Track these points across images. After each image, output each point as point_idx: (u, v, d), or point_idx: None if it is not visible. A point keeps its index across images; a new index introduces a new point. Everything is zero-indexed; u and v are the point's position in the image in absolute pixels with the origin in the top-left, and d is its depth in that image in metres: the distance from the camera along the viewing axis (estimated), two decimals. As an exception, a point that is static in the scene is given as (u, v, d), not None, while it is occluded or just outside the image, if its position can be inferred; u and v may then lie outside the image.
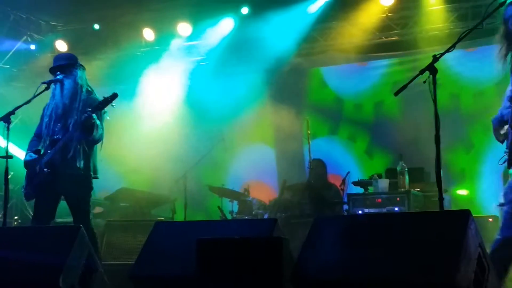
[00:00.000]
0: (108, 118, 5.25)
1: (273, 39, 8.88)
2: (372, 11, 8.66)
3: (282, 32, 8.85)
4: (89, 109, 5.02)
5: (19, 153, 6.03)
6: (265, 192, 8.75)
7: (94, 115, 4.98)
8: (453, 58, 7.13)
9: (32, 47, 10.07)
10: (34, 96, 5.34)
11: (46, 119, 5.38)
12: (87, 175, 5.21)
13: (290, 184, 7.66)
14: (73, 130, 5.11)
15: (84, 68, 5.46)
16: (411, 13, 8.65)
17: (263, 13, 8.80)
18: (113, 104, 5.07)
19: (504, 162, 4.06)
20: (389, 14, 8.71)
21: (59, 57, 5.72)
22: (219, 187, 8.36)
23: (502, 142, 4.13)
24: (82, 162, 5.14)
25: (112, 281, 4.21)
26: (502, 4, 4.05)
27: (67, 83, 5.37)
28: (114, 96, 5.07)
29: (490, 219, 5.06)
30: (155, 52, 9.69)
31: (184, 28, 9.39)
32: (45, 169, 5.16)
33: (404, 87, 4.15)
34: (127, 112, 8.79)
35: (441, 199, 3.94)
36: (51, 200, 5.24)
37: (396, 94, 4.19)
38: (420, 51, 8.36)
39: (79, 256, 3.91)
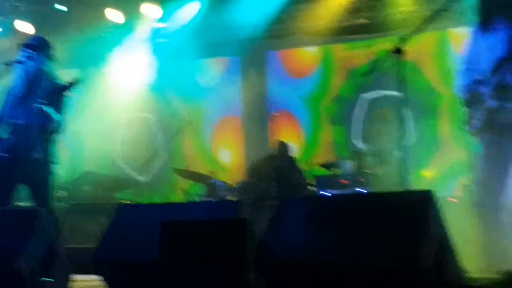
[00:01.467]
0: (69, 106, 5.23)
1: (240, 22, 8.89)
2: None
3: (250, 14, 8.85)
4: (45, 100, 5.00)
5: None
6: (231, 174, 8.77)
7: (45, 107, 4.97)
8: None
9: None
10: None
11: (6, 103, 5.33)
12: (47, 160, 5.17)
13: (257, 166, 7.69)
14: (34, 116, 5.07)
15: (51, 55, 5.41)
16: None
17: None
18: (76, 90, 5.05)
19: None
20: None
21: (32, 38, 5.71)
22: (183, 170, 8.35)
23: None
24: (42, 148, 5.11)
25: (74, 264, 4.16)
26: None
27: (31, 65, 5.29)
28: (76, 81, 5.08)
29: (452, 199, 5.15)
30: (121, 33, 9.62)
31: (150, 9, 9.34)
32: (5, 155, 5.11)
33: (370, 70, 4.24)
34: (93, 94, 8.71)
35: (403, 180, 4.01)
36: (9, 186, 5.19)
37: (363, 75, 4.29)
38: (389, 33, 8.39)
39: (41, 239, 3.86)
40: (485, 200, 4.15)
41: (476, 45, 4.34)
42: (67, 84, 5.06)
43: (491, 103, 4.13)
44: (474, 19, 4.33)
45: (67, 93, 5.09)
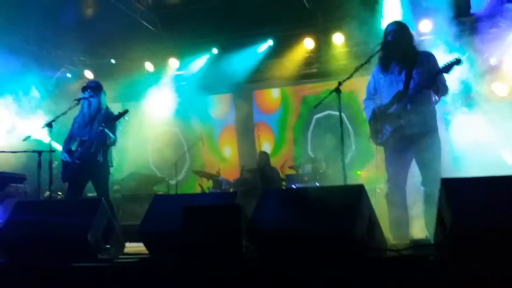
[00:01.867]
0: (120, 128, 5.25)
1: (233, 70, 8.92)
2: (300, 51, 8.81)
3: (240, 65, 8.90)
4: (103, 124, 5.01)
5: (59, 148, 5.99)
6: (231, 174, 8.76)
7: (106, 129, 4.99)
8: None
9: (68, 75, 9.89)
10: (69, 109, 5.35)
11: (75, 125, 5.34)
12: (105, 164, 5.18)
13: (247, 168, 7.72)
14: (95, 135, 5.08)
15: (105, 93, 5.44)
16: (325, 53, 8.81)
17: (227, 52, 8.89)
18: (125, 117, 5.08)
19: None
20: (310, 54, 8.87)
21: (91, 82, 5.72)
22: (199, 171, 8.34)
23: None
24: (101, 156, 5.12)
25: (125, 236, 4.17)
26: (380, 49, 4.14)
27: (93, 101, 5.31)
28: (125, 112, 5.11)
29: (378, 190, 5.14)
30: (154, 78, 9.62)
31: (173, 62, 9.37)
32: (77, 161, 5.11)
33: (320, 102, 4.25)
34: (135, 120, 8.68)
35: (345, 176, 4.04)
36: (81, 182, 5.19)
37: (315, 107, 4.31)
38: (331, 78, 8.40)
39: (101, 219, 3.85)
40: (394, 191, 4.10)
41: (379, 82, 4.25)
42: (119, 113, 5.10)
43: (396, 122, 4.05)
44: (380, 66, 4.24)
45: (117, 119, 5.12)
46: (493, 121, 5.89)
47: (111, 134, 5.08)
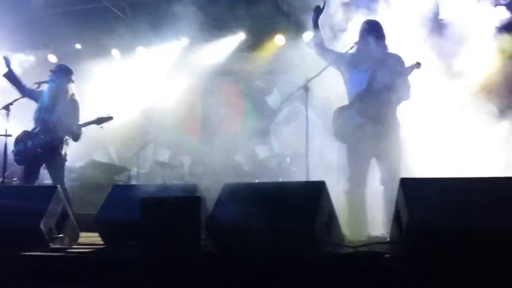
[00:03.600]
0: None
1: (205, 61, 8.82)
2: (271, 47, 8.72)
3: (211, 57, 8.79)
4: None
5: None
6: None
7: (63, 114, 4.85)
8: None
9: (32, 58, 9.53)
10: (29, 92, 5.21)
11: (37, 108, 5.18)
12: (64, 154, 5.05)
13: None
14: (59, 130, 4.91)
15: (72, 80, 5.25)
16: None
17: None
18: (101, 126, 4.91)
19: None
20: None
21: (57, 65, 5.56)
22: (162, 162, 8.23)
23: None
24: (63, 149, 4.98)
25: (80, 225, 4.04)
26: (352, 47, 4.17)
27: (53, 85, 5.13)
28: (109, 118, 4.93)
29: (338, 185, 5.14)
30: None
31: (140, 50, 9.17)
32: (39, 149, 4.94)
33: (288, 97, 4.27)
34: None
35: (307, 173, 4.05)
36: (37, 166, 5.03)
37: (282, 102, 4.30)
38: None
39: (56, 207, 3.73)
40: (354, 188, 4.14)
41: (345, 73, 4.28)
42: (101, 117, 4.95)
43: (357, 120, 4.09)
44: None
45: (99, 123, 4.97)
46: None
47: (69, 119, 4.93)
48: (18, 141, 5.07)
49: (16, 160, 5.08)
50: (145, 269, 3.06)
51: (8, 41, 8.73)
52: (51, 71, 5.23)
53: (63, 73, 5.22)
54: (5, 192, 4.06)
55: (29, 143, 4.98)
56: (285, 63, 8.87)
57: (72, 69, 5.34)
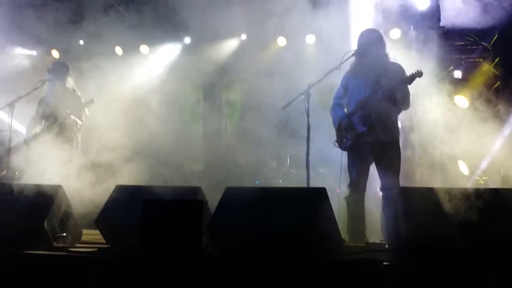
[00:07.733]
0: (88, 114, 5.19)
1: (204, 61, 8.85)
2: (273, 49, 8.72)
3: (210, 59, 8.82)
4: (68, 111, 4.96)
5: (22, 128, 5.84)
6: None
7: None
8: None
9: (34, 53, 9.50)
10: (34, 89, 5.18)
11: (41, 108, 5.22)
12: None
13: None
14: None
15: (71, 75, 5.31)
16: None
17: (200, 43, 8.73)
18: (87, 113, 5.00)
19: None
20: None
21: (55, 63, 5.58)
22: (161, 160, 8.21)
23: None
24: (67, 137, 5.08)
25: (82, 224, 4.08)
26: (353, 54, 4.20)
27: (57, 83, 5.18)
28: (91, 101, 5.01)
29: (338, 191, 5.18)
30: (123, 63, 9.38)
31: (144, 48, 9.18)
32: None
33: (290, 103, 4.28)
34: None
35: (308, 178, 4.08)
36: None
37: (283, 108, 4.32)
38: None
39: (59, 206, 3.77)
40: (354, 194, 4.15)
41: (348, 86, 4.29)
42: (85, 102, 5.01)
43: (361, 128, 4.13)
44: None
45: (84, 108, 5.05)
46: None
47: (78, 120, 5.00)
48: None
49: None
50: (146, 271, 3.10)
51: (10, 36, 8.76)
52: (49, 70, 5.29)
53: (60, 69, 5.28)
54: (10, 190, 4.08)
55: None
56: (286, 64, 8.96)
57: (67, 64, 5.41)
